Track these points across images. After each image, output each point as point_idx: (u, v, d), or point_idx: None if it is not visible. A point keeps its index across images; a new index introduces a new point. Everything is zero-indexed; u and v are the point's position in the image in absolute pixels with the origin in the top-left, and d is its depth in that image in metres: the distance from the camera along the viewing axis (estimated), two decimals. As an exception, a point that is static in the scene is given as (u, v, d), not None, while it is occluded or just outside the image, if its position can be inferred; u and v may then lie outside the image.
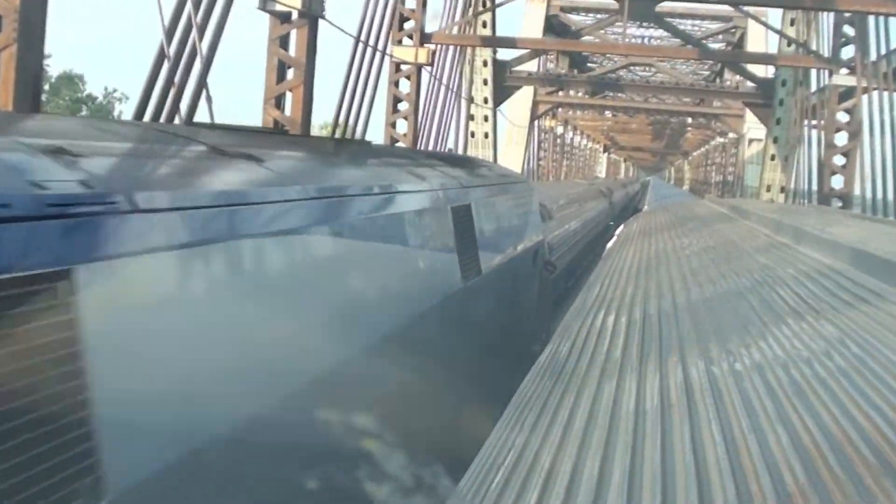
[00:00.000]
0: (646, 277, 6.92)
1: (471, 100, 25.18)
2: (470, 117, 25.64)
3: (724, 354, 3.56)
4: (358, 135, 14.83)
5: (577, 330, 5.05)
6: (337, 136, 14.36)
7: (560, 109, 48.65)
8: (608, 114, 58.30)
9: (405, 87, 18.76)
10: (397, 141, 18.77)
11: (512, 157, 29.84)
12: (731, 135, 45.92)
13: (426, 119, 19.37)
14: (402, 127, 18.83)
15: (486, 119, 26.57)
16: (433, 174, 5.99)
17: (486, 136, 26.31)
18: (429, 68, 18.42)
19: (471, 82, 25.32)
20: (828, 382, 2.87)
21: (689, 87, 34.60)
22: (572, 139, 61.75)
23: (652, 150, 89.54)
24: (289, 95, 12.40)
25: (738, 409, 2.77)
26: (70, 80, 45.56)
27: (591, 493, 2.34)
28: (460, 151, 21.98)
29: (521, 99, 32.84)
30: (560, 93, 38.83)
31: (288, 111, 12.42)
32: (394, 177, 5.35)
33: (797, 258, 6.00)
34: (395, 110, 18.78)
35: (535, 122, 39.47)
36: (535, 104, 35.75)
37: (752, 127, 33.68)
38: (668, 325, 4.55)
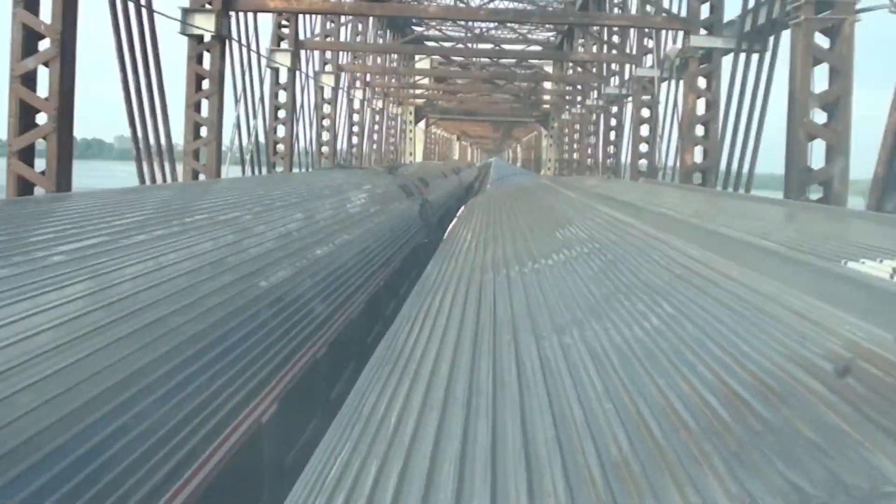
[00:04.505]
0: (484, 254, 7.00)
1: None
2: None
3: (554, 329, 3.62)
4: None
5: (417, 311, 5.05)
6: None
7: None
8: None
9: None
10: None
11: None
12: (609, 89, 31.12)
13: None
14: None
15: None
16: None
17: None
18: None
19: None
20: (652, 351, 2.94)
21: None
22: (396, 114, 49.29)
23: (493, 138, 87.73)
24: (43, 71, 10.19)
25: (566, 381, 2.81)
26: None
27: (424, 475, 2.32)
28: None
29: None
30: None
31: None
32: None
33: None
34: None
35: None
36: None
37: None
38: (502, 301, 4.60)
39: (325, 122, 29.85)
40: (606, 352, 3.10)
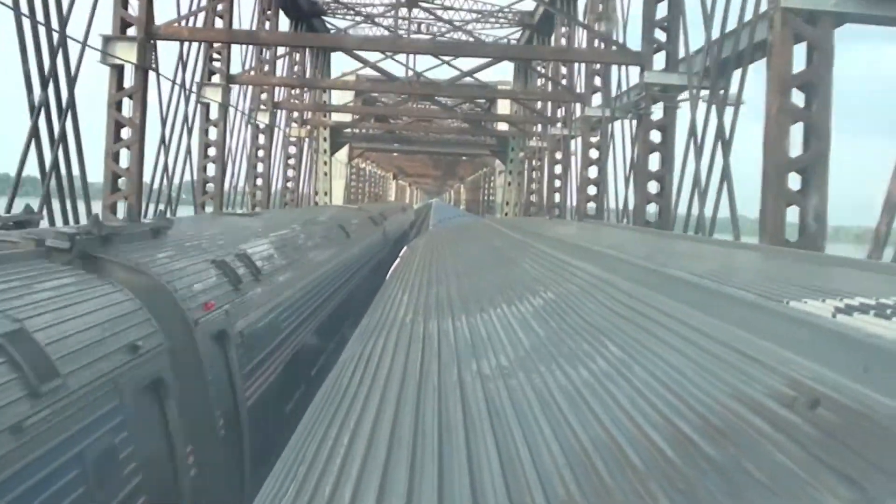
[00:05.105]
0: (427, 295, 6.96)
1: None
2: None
3: (499, 367, 3.60)
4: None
5: (360, 353, 4.99)
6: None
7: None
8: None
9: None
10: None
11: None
12: (556, 130, 26.70)
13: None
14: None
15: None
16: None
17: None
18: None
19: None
20: (597, 391, 2.93)
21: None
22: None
23: (433, 176, 79.74)
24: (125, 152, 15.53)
25: (512, 422, 2.79)
26: None
27: None
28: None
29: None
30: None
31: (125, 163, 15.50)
32: None
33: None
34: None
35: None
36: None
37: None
38: (446, 341, 4.57)
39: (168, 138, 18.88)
40: (552, 392, 3.08)
